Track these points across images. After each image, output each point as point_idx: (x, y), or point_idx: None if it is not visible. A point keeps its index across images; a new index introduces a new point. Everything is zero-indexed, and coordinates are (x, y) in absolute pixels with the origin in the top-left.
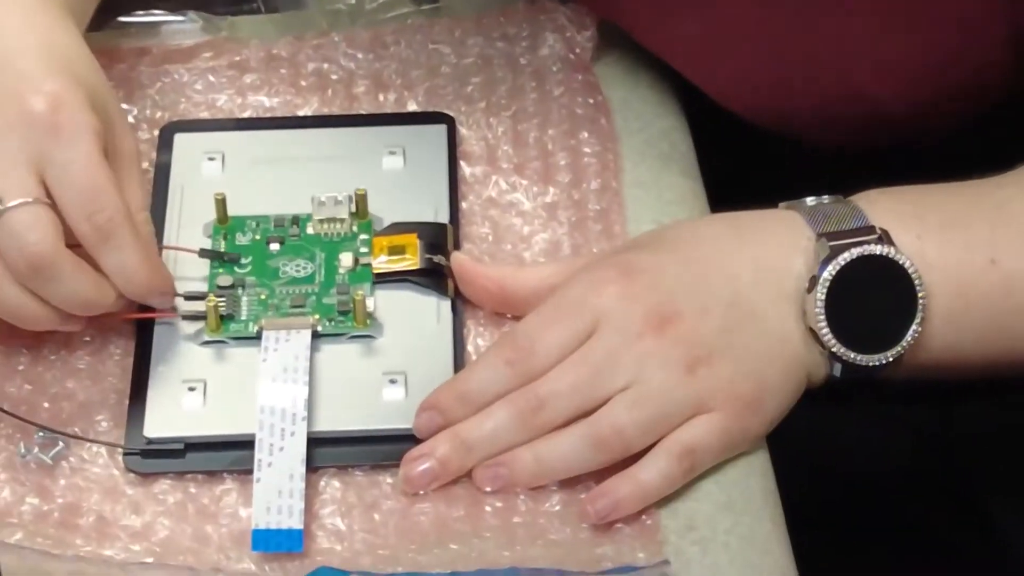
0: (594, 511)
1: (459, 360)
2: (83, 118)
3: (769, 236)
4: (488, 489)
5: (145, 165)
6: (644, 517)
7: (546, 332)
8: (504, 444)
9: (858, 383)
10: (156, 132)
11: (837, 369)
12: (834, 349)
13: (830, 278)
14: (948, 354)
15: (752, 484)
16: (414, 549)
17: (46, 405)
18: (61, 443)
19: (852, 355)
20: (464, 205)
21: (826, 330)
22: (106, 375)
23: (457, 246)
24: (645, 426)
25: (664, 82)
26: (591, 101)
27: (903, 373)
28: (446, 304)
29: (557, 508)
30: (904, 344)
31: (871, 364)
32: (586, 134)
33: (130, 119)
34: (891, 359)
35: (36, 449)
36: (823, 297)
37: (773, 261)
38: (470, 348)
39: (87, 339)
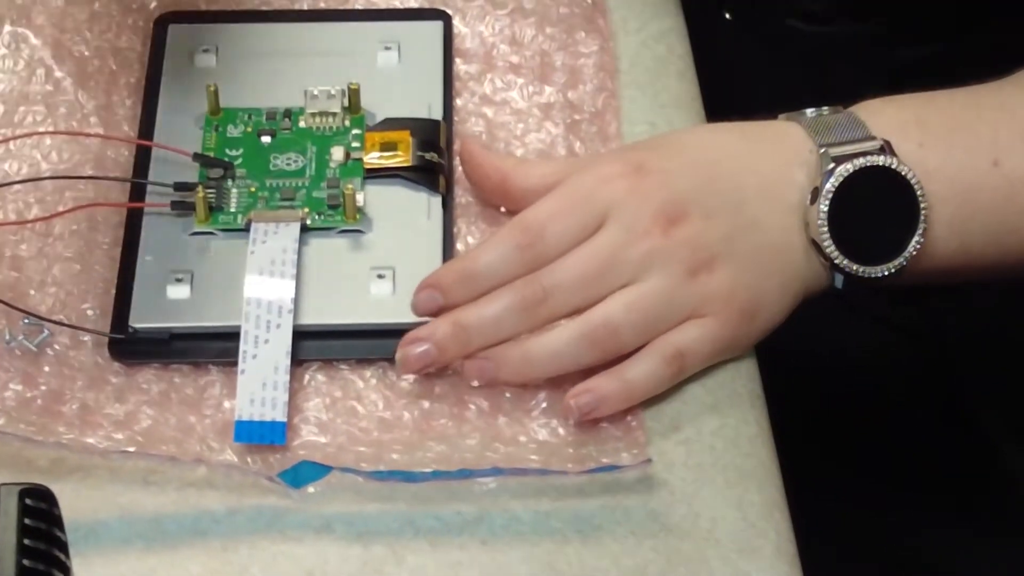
0: (577, 406)
1: (448, 256)
2: None
3: (772, 148)
4: (474, 383)
5: (139, 56)
6: (629, 418)
7: (556, 220)
8: (504, 334)
9: (859, 293)
10: (150, 23)
11: (839, 280)
12: (836, 260)
13: (832, 190)
14: (953, 260)
15: (738, 387)
16: (398, 448)
17: (32, 292)
18: (47, 330)
19: (855, 266)
20: (458, 102)
21: (829, 242)
22: (94, 264)
23: (450, 143)
24: (640, 327)
25: None
26: (589, 1)
27: (907, 281)
28: (437, 201)
29: (543, 406)
30: (907, 255)
31: (874, 276)
32: (583, 34)
33: (124, 9)
34: (893, 270)
35: (21, 336)
36: (826, 209)
37: (777, 173)
38: (459, 246)
39: (75, 227)
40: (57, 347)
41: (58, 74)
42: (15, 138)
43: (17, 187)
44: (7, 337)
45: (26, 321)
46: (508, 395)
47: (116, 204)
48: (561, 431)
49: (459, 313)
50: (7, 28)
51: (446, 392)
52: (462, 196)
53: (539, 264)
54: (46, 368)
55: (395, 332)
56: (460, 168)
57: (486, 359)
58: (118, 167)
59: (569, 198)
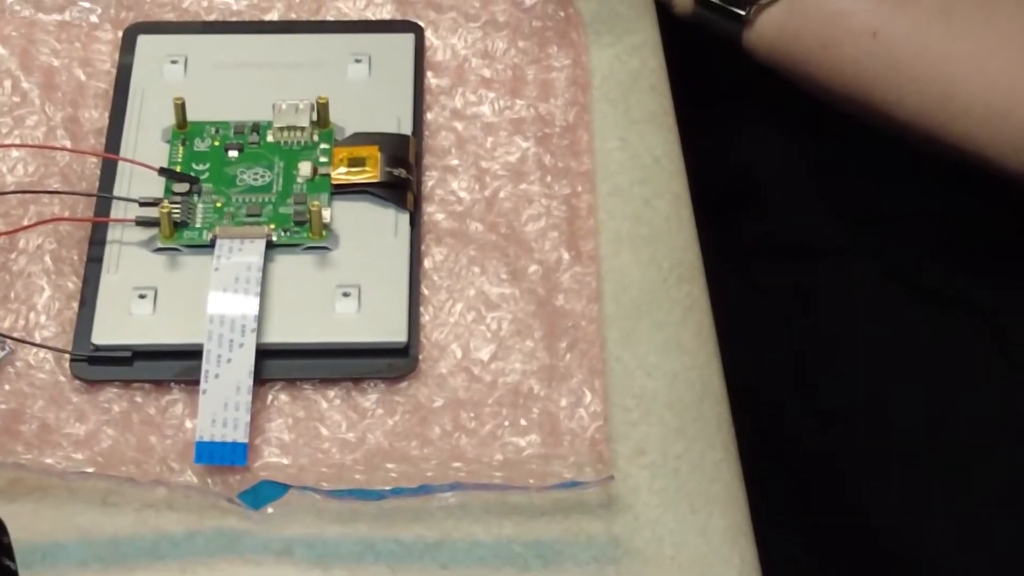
0: None
1: (415, 275)
2: None
3: None
4: None
5: (107, 67)
6: (595, 438)
7: None
8: None
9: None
10: (119, 33)
11: None
12: None
13: None
14: (778, 43)
15: (705, 409)
16: (360, 470)
17: None
18: (8, 347)
19: None
20: (429, 116)
21: None
22: (58, 279)
23: (419, 158)
24: None
25: None
26: (562, 14)
27: (755, 38)
28: (404, 218)
29: (506, 425)
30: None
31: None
32: (556, 47)
33: (93, 19)
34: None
35: None
36: None
37: None
38: (427, 263)
39: (39, 242)
40: (19, 364)
41: (25, 85)
42: None
43: None
44: None
45: None
46: (472, 415)
47: (79, 219)
48: (525, 451)
49: None
50: None
51: (409, 413)
52: (430, 213)
53: None
54: (6, 386)
55: (359, 352)
56: (429, 184)
57: None
58: (85, 180)
59: None
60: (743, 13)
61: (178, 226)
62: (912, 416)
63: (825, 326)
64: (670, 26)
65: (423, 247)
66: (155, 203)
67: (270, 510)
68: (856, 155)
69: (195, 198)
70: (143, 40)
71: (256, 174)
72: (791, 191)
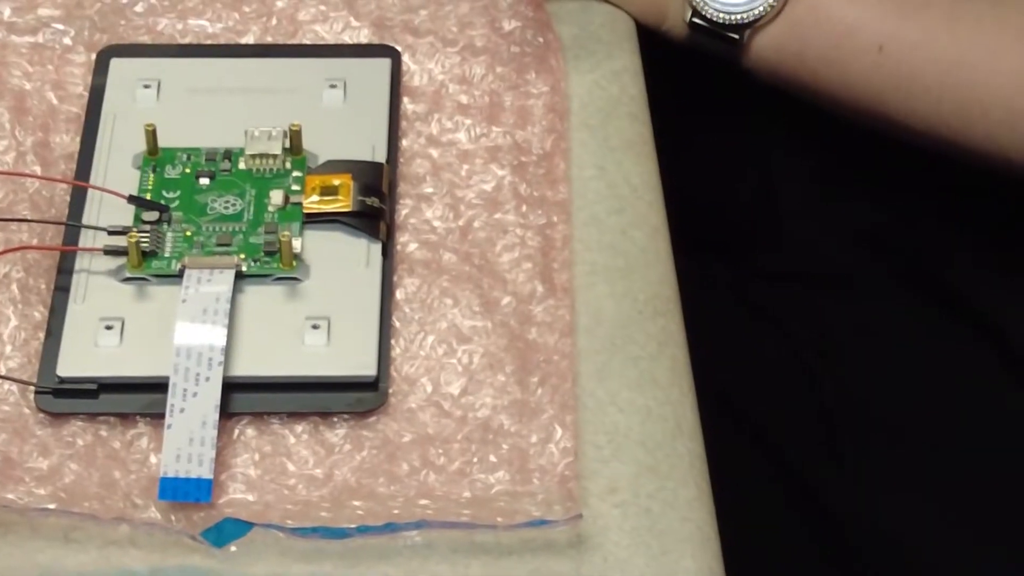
0: None
1: (386, 306)
2: None
3: None
4: None
5: (80, 90)
6: (565, 475)
7: None
8: None
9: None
10: (93, 56)
11: (688, 14)
12: None
13: None
14: (776, 56)
15: (679, 447)
16: (326, 507)
17: None
18: None
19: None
20: (404, 143)
21: None
22: (24, 309)
23: (392, 186)
24: None
25: (618, 22)
26: (541, 40)
27: (754, 59)
28: (377, 248)
29: (475, 462)
30: (759, 8)
31: (725, 19)
32: (534, 74)
33: (67, 41)
34: (740, 19)
35: None
36: None
37: None
38: (399, 295)
39: (6, 270)
40: None
41: None
42: None
43: None
44: None
45: None
46: (440, 451)
47: (47, 247)
48: (494, 488)
49: None
50: None
51: (377, 449)
52: (403, 243)
53: None
54: None
55: (328, 385)
56: (402, 213)
57: None
58: (54, 207)
59: None
60: (737, 37)
61: (146, 255)
62: (934, 447)
63: (842, 351)
64: (659, 50)
65: (395, 278)
66: (124, 231)
67: (233, 548)
68: (862, 167)
69: (165, 227)
70: (116, 63)
71: (227, 202)
72: (799, 211)
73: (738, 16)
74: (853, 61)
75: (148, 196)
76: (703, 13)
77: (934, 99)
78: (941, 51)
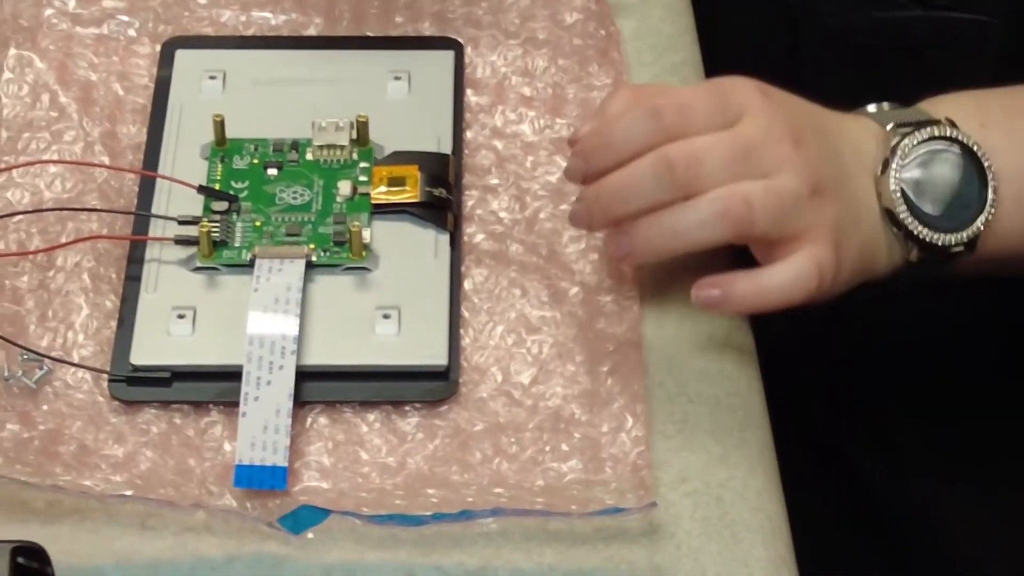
0: (698, 296)
1: (455, 296)
2: None
3: (848, 118)
4: (616, 256)
5: (145, 81)
6: (637, 463)
7: (699, 101)
8: (643, 200)
9: (930, 277)
10: (158, 47)
11: (914, 253)
12: (911, 227)
13: (902, 159)
14: (1018, 240)
15: (749, 437)
16: (400, 495)
17: (32, 327)
18: (46, 367)
19: (927, 232)
20: (468, 135)
21: (903, 207)
22: (96, 298)
23: (459, 177)
24: (772, 215)
25: (679, 15)
26: (603, 32)
27: (973, 265)
28: (444, 238)
29: (547, 450)
30: (979, 225)
31: (948, 244)
32: (596, 66)
33: (131, 32)
34: (966, 240)
35: (20, 372)
36: (896, 177)
37: (858, 138)
38: (467, 285)
39: (77, 259)
40: (56, 384)
41: (63, 99)
42: (18, 166)
43: (19, 217)
44: (5, 374)
45: (24, 357)
46: (512, 440)
47: (118, 237)
48: (566, 476)
49: (602, 181)
50: (12, 51)
51: (450, 437)
52: (470, 233)
53: (680, 134)
54: (44, 407)
55: (399, 374)
56: (468, 204)
57: (623, 232)
58: (123, 196)
59: (707, 90)
60: (962, 245)
61: (217, 245)
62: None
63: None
64: (713, 42)
65: (463, 268)
66: (194, 221)
67: (310, 535)
68: None
69: (234, 216)
70: (181, 55)
71: (295, 193)
72: None
73: (965, 234)
74: None
75: (217, 186)
76: (930, 243)
77: None
78: None
